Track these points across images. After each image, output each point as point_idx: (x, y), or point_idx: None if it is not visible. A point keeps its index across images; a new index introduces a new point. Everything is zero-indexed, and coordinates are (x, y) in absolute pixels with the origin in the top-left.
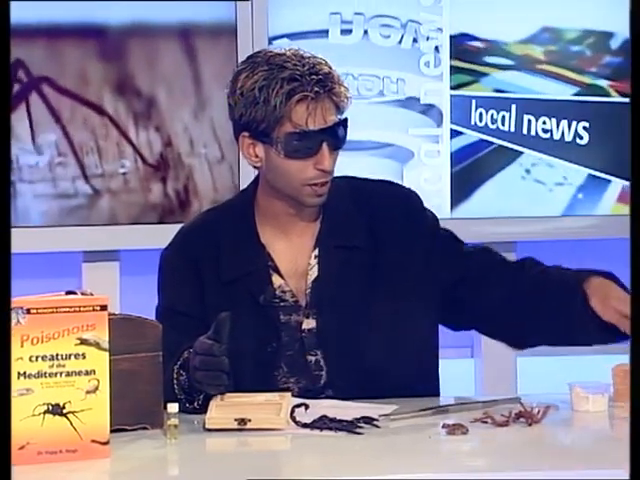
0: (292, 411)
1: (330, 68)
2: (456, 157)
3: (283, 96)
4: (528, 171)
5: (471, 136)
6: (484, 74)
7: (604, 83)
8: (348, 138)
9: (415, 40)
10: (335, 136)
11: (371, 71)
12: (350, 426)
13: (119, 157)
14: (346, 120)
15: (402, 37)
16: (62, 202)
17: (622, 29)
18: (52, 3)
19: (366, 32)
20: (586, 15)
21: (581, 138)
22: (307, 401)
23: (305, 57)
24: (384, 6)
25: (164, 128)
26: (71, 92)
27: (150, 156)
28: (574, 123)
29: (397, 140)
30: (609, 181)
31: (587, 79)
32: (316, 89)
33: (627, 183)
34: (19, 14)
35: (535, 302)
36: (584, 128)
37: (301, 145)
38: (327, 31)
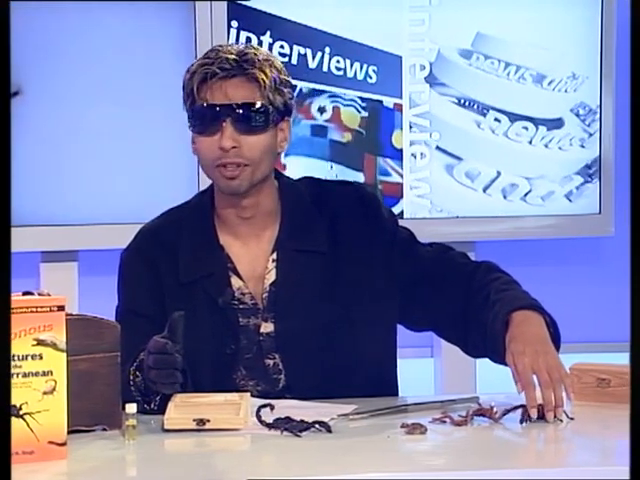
0: (258, 410)
1: (256, 55)
2: None
3: (193, 74)
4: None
5: None
6: None
7: None
8: None
9: None
10: (242, 117)
11: None
12: (296, 427)
13: None
14: (263, 106)
15: None
16: None
17: None
18: None
19: None
20: None
21: None
22: (270, 401)
23: (240, 46)
24: None
25: None
26: None
27: None
28: None
29: None
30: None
31: None
32: (226, 67)
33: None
34: None
35: (474, 315)
36: None
37: (205, 120)
38: None
